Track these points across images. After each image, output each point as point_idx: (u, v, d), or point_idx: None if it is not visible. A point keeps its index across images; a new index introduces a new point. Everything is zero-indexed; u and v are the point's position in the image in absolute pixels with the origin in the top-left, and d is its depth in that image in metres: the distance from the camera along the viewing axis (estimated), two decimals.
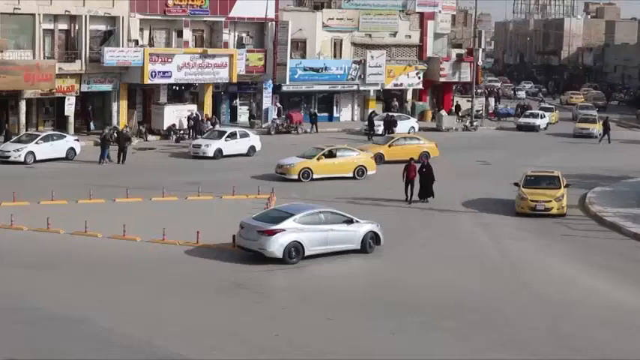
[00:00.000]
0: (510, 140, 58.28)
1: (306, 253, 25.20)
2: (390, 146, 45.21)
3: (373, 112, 63.12)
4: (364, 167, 40.06)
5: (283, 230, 24.83)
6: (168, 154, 47.34)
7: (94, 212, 30.89)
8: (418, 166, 34.58)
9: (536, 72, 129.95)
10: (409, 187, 34.27)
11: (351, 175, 39.54)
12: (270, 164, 40.74)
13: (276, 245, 24.66)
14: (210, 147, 45.62)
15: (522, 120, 64.81)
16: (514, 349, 18.47)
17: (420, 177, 34.29)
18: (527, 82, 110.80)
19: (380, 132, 55.80)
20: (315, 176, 38.74)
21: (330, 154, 40.06)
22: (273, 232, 24.70)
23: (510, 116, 69.38)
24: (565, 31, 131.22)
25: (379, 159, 43.71)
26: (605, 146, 56.18)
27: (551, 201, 32.28)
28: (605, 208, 33.19)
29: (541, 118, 65.09)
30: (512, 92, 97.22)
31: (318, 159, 39.32)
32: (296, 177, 38.49)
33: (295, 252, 24.96)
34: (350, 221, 26.35)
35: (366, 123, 58.53)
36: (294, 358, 17.67)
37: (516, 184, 33.75)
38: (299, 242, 24.99)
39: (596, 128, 60.18)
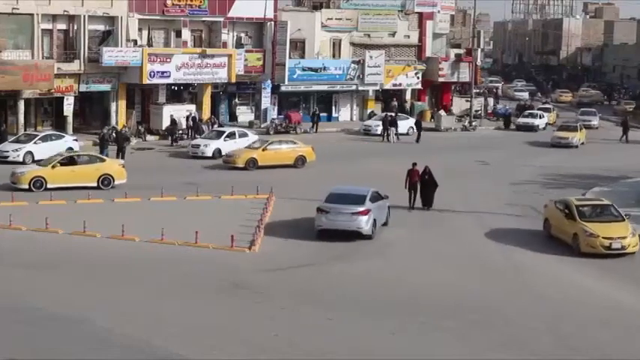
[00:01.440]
0: (509, 140, 58.22)
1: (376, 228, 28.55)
2: (263, 150, 42.58)
3: (372, 112, 63.21)
4: (110, 176, 36.16)
5: (370, 210, 27.89)
6: (167, 154, 47.31)
7: (93, 212, 30.89)
8: (420, 171, 33.78)
9: (535, 72, 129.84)
10: (412, 192, 33.49)
11: (94, 184, 35.66)
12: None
13: (369, 224, 27.85)
14: (209, 147, 45.59)
15: (521, 120, 64.63)
16: (514, 349, 18.47)
17: (421, 184, 33.44)
18: (519, 80, 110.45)
19: (379, 132, 55.84)
20: (49, 185, 34.96)
21: (70, 162, 36.44)
22: (366, 212, 27.74)
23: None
24: (564, 31, 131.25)
25: (252, 164, 41.76)
26: (604, 146, 56.14)
27: (626, 237, 26.93)
28: None
29: (540, 118, 65.04)
30: (529, 96, 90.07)
31: (52, 167, 35.73)
32: (27, 187, 34.79)
33: (374, 228, 28.24)
34: (385, 198, 29.97)
35: (365, 124, 58.69)
36: (294, 358, 17.66)
37: (568, 217, 27.91)
38: (375, 219, 28.27)
39: (577, 137, 55.62)
